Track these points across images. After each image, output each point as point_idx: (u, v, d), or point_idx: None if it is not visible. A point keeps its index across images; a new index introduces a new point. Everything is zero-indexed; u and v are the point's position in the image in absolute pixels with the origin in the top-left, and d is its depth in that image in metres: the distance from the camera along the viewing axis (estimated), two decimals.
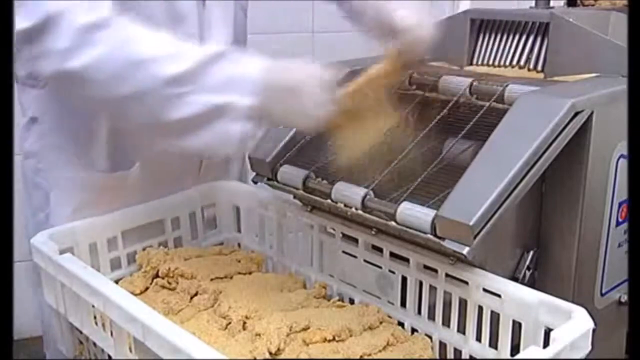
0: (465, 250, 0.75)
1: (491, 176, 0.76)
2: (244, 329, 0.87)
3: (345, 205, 0.88)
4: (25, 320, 1.56)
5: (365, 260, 0.94)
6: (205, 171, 1.13)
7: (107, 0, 0.81)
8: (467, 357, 0.83)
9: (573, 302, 0.73)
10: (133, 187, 1.04)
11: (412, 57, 0.90)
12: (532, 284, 0.89)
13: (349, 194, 0.87)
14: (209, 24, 1.02)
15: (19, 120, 1.04)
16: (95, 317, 0.85)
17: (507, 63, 1.06)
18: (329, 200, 0.90)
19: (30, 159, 1.05)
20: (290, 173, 0.95)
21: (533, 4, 1.12)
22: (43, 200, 1.05)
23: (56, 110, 1.01)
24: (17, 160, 0.99)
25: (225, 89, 0.79)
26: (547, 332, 0.71)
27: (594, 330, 0.69)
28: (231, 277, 1.00)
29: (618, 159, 0.89)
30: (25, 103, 1.03)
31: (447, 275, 0.83)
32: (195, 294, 0.96)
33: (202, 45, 1.00)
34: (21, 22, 0.77)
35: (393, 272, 0.91)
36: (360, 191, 0.86)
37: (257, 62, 0.82)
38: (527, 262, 0.90)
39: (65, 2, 0.78)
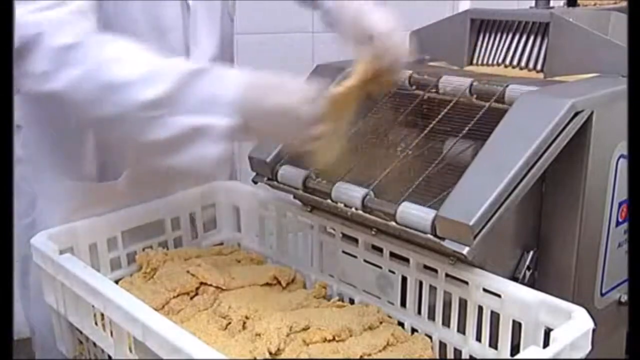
0: (465, 250, 0.75)
1: (491, 176, 0.76)
2: (244, 329, 0.87)
3: (345, 205, 0.88)
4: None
5: (365, 260, 0.94)
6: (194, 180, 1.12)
7: (83, 22, 0.81)
8: (467, 357, 0.83)
9: (573, 302, 0.73)
10: (121, 197, 1.02)
11: (386, 63, 0.88)
12: (532, 284, 0.89)
13: (349, 194, 0.87)
14: (194, 33, 1.01)
15: None
16: (95, 317, 0.85)
17: (507, 63, 1.06)
18: (329, 200, 0.90)
19: (15, 165, 1.04)
20: (290, 173, 0.95)
21: (533, 4, 1.12)
22: (27, 206, 1.04)
23: (41, 119, 1.01)
24: None
25: (203, 109, 0.78)
26: (547, 332, 0.71)
27: (594, 330, 0.69)
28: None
29: (618, 159, 0.89)
30: None
31: (447, 275, 0.83)
32: (195, 294, 0.96)
33: (188, 56, 1.00)
34: None
35: (393, 272, 0.91)
36: (360, 191, 0.86)
37: (237, 79, 0.80)
38: (527, 262, 0.90)
39: (44, 22, 0.77)
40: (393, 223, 0.82)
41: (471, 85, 0.94)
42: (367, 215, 0.86)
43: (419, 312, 0.88)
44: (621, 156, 0.89)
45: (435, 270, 0.85)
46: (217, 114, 0.77)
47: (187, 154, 0.79)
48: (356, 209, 0.86)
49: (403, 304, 0.90)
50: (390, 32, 0.88)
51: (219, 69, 0.81)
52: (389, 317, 0.90)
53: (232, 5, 1.12)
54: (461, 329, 0.83)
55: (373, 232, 0.91)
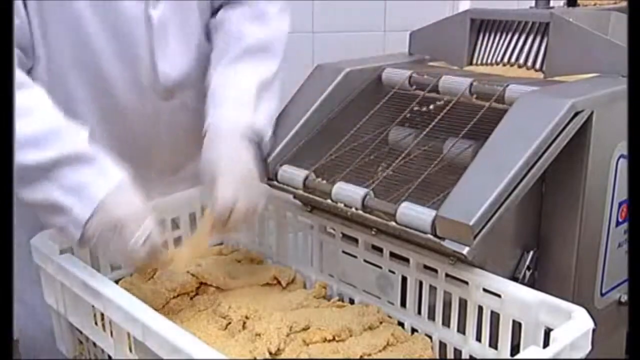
0: (465, 250, 0.75)
1: (491, 176, 0.76)
2: (244, 329, 0.87)
3: (345, 205, 0.88)
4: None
5: (365, 260, 0.94)
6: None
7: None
8: (467, 357, 0.83)
9: (573, 302, 0.73)
10: None
11: (229, 224, 0.89)
12: (532, 284, 0.89)
13: (349, 194, 0.87)
14: (163, 49, 0.98)
15: None
16: (95, 317, 0.85)
17: (507, 63, 1.06)
18: (329, 200, 0.90)
19: None
20: (290, 173, 0.95)
21: (533, 4, 1.12)
22: None
23: None
24: None
25: (72, 192, 0.80)
26: (547, 332, 0.71)
27: (594, 330, 0.69)
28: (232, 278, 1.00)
29: (618, 159, 0.89)
30: None
31: (447, 275, 0.83)
32: (196, 294, 0.96)
33: (156, 72, 0.98)
34: None
35: (393, 272, 0.91)
36: (360, 191, 0.86)
37: (113, 179, 0.82)
38: (527, 262, 0.90)
39: None
40: (393, 223, 0.82)
41: (471, 85, 0.95)
42: (367, 215, 0.86)
43: (419, 312, 0.88)
44: (621, 156, 0.89)
45: (435, 270, 0.85)
46: (82, 202, 0.80)
47: (51, 221, 0.83)
48: (356, 209, 0.86)
49: (403, 304, 0.90)
50: (232, 207, 0.88)
51: (104, 162, 0.83)
52: (389, 317, 0.90)
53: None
54: (461, 329, 0.83)
55: (373, 232, 0.91)
